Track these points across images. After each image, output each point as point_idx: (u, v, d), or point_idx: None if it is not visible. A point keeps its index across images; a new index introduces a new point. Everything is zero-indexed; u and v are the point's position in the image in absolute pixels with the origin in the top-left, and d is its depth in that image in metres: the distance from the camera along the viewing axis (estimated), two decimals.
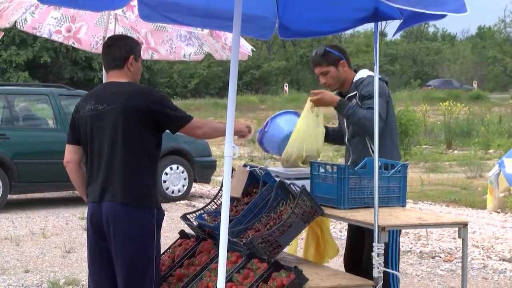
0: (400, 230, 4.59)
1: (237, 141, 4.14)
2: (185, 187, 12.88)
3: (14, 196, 12.78)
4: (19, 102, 12.89)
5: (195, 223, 5.01)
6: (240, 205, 4.86)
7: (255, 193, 4.87)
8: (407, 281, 7.29)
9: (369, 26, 52.29)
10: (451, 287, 7.20)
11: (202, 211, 5.08)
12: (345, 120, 5.10)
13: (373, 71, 4.41)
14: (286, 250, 4.89)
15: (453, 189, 13.95)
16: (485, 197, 11.97)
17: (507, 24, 73.48)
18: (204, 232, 4.91)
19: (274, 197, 4.66)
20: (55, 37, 6.25)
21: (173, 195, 12.73)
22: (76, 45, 6.39)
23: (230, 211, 4.27)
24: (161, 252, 4.62)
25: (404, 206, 4.77)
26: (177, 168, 12.81)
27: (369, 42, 63.56)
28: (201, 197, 13.52)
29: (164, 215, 4.40)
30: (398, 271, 4.50)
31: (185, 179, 12.86)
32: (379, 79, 4.94)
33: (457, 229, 4.43)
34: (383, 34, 63.43)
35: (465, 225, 4.42)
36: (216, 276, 3.98)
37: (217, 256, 4.12)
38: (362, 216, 4.46)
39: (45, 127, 12.74)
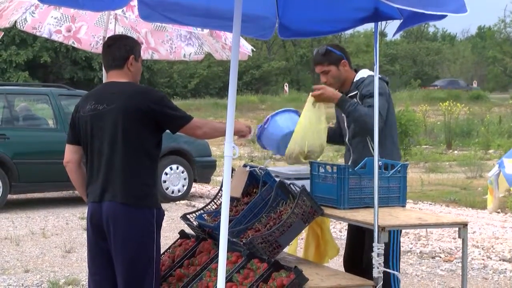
0: (400, 230, 4.58)
1: (237, 141, 4.14)
2: (185, 187, 12.89)
3: (14, 196, 12.78)
4: (19, 102, 12.90)
5: (195, 223, 5.01)
6: (240, 205, 4.86)
7: (255, 193, 4.87)
8: (407, 281, 7.30)
9: (369, 26, 52.30)
10: (451, 287, 7.21)
11: (202, 211, 5.08)
12: (345, 119, 5.10)
13: (373, 71, 4.41)
14: (286, 250, 4.89)
15: (453, 189, 13.95)
16: (485, 197, 11.97)
17: (507, 24, 73.54)
18: (204, 232, 4.91)
19: (274, 197, 4.66)
20: (55, 37, 6.25)
21: (173, 195, 12.73)
22: (76, 45, 6.39)
23: (230, 211, 4.27)
24: (161, 252, 4.62)
25: (404, 206, 4.77)
26: (177, 168, 12.81)
27: (369, 42, 63.56)
28: (201, 197, 13.52)
29: (164, 215, 4.40)
30: (399, 271, 4.49)
31: (185, 179, 12.86)
32: (380, 79, 4.95)
33: (457, 229, 4.43)
34: (383, 34, 63.45)
35: (465, 225, 4.42)
36: (216, 276, 3.98)
37: (217, 256, 4.12)
38: (362, 216, 4.46)
39: (45, 127, 12.75)
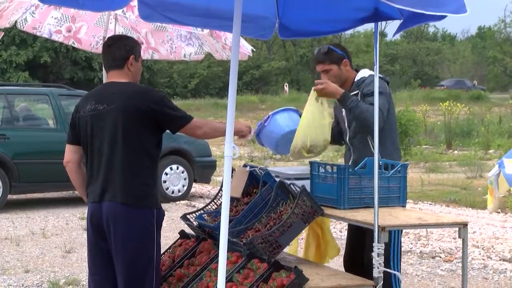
0: (401, 230, 4.58)
1: (237, 141, 4.15)
2: (185, 187, 12.89)
3: (14, 196, 12.78)
4: (19, 102, 12.90)
5: (195, 223, 5.01)
6: (240, 205, 4.86)
7: (255, 193, 4.87)
8: (407, 281, 7.30)
9: (369, 26, 52.29)
10: (451, 287, 7.21)
11: (202, 211, 5.08)
12: (345, 119, 5.09)
13: (374, 71, 4.41)
14: (286, 250, 4.89)
15: (453, 189, 13.95)
16: (485, 197, 11.97)
17: (507, 24, 73.55)
18: (204, 232, 4.91)
19: (274, 197, 4.66)
20: (55, 37, 6.25)
21: (173, 195, 12.73)
22: (76, 45, 6.39)
23: (230, 211, 4.27)
24: (161, 252, 4.62)
25: (404, 206, 4.77)
26: (177, 168, 12.81)
27: (369, 42, 63.59)
28: (201, 197, 13.52)
29: (164, 215, 4.40)
30: (400, 271, 4.49)
31: (185, 179, 12.86)
32: (381, 78, 4.95)
33: (457, 229, 4.43)
34: (383, 34, 63.46)
35: (465, 225, 4.42)
36: (216, 276, 3.98)
37: (217, 256, 4.12)
38: (362, 216, 4.46)
39: (45, 127, 12.75)
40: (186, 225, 5.17)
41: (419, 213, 5.11)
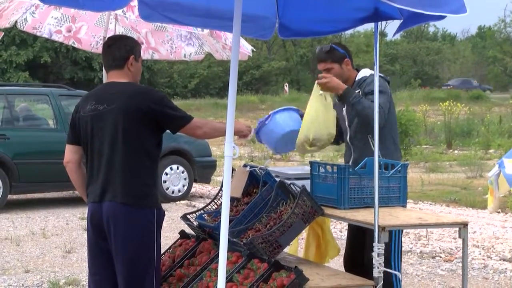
0: (401, 230, 4.58)
1: (237, 141, 4.14)
2: (185, 187, 12.88)
3: (15, 196, 12.78)
4: (19, 102, 12.89)
5: (195, 223, 5.01)
6: (240, 205, 4.86)
7: (255, 193, 4.87)
8: (408, 281, 7.30)
9: (369, 26, 52.33)
10: (452, 287, 7.21)
11: (202, 211, 5.08)
12: (346, 118, 5.09)
13: (374, 71, 4.41)
14: (287, 250, 4.90)
15: (453, 189, 13.95)
16: (485, 197, 11.97)
17: (507, 24, 73.57)
18: (204, 232, 4.91)
19: (274, 197, 4.66)
20: (55, 37, 6.25)
21: (173, 195, 12.73)
22: (76, 45, 6.39)
23: (230, 211, 4.27)
24: (162, 252, 4.62)
25: (404, 206, 4.77)
26: (177, 168, 12.81)
27: (369, 42, 63.58)
28: (201, 197, 13.52)
29: (164, 215, 4.40)
30: (400, 271, 4.49)
31: (185, 179, 12.86)
32: (382, 77, 4.96)
33: (457, 229, 4.43)
34: (383, 34, 63.46)
35: (465, 225, 4.41)
36: (216, 276, 3.98)
37: (217, 256, 4.12)
38: (362, 216, 4.46)
39: (45, 127, 12.75)
40: (186, 225, 5.17)
41: (419, 213, 5.11)
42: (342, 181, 4.60)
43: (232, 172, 4.81)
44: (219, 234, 3.81)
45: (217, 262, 3.79)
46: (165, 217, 4.44)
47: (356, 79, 5.07)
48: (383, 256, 4.21)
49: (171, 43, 6.41)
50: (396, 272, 4.40)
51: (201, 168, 13.08)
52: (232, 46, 3.89)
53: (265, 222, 4.58)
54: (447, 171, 17.12)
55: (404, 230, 5.53)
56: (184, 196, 12.87)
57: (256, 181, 4.92)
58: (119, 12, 5.79)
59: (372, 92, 4.75)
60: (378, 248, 4.18)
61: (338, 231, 9.56)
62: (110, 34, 5.90)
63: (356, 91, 4.96)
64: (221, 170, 13.86)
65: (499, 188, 5.24)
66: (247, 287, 4.20)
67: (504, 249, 8.83)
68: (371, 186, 4.42)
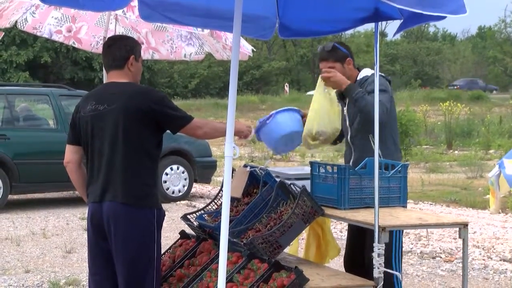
0: (402, 231, 4.58)
1: (237, 142, 4.14)
2: (186, 187, 12.88)
3: (15, 196, 12.78)
4: (20, 102, 12.89)
5: (195, 223, 5.01)
6: (241, 205, 4.86)
7: (255, 193, 4.87)
8: (408, 281, 7.30)
9: (369, 26, 52.29)
10: (452, 287, 7.20)
11: (202, 212, 5.08)
12: (347, 118, 5.08)
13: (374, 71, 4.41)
14: (287, 250, 4.89)
15: (454, 190, 13.95)
16: (485, 197, 11.97)
17: (508, 24, 73.58)
18: (204, 233, 4.91)
19: (275, 198, 4.65)
20: (55, 37, 6.25)
21: (173, 195, 12.73)
22: (76, 45, 6.39)
23: (230, 211, 4.27)
24: (162, 252, 4.62)
25: (404, 206, 4.76)
26: (178, 168, 12.81)
27: (369, 42, 63.58)
28: (201, 197, 13.52)
29: (164, 215, 4.40)
30: (401, 271, 4.49)
31: (185, 179, 12.86)
32: (383, 77, 4.96)
33: (457, 229, 4.43)
34: (383, 34, 63.49)
35: (465, 225, 4.41)
36: (216, 276, 3.98)
37: (217, 256, 4.12)
38: (363, 216, 4.46)
39: (45, 127, 12.74)
40: (186, 225, 5.17)
41: (419, 213, 5.11)
42: (343, 181, 4.60)
43: (232, 172, 4.81)
44: (219, 234, 3.81)
45: (217, 262, 3.79)
46: (165, 217, 4.44)
47: (358, 78, 5.07)
48: (383, 257, 4.21)
49: (171, 43, 6.41)
50: (396, 273, 4.40)
51: (202, 168, 13.08)
52: (233, 46, 3.89)
53: (265, 223, 4.57)
54: (448, 172, 17.12)
55: (405, 231, 5.53)
56: (185, 196, 12.87)
57: (256, 181, 4.92)
58: (119, 12, 5.79)
59: (373, 91, 4.75)
60: (378, 249, 4.18)
61: (338, 231, 9.56)
62: (110, 34, 5.90)
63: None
64: (221, 170, 13.87)
65: (500, 188, 5.24)
66: (247, 287, 4.20)
67: (505, 249, 8.83)
68: (372, 186, 4.42)
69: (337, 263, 6.46)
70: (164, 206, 4.84)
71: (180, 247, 5.00)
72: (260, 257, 4.36)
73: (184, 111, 4.37)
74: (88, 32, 6.29)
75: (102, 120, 4.27)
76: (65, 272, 7.79)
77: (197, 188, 14.24)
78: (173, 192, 12.74)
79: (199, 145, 12.99)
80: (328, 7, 4.54)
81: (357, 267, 4.91)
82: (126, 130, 4.22)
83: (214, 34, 5.68)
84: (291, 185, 4.65)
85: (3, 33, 7.21)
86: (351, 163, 5.02)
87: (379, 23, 4.53)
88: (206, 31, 5.67)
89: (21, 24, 6.07)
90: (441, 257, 8.45)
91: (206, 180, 13.51)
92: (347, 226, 5.35)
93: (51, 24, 6.17)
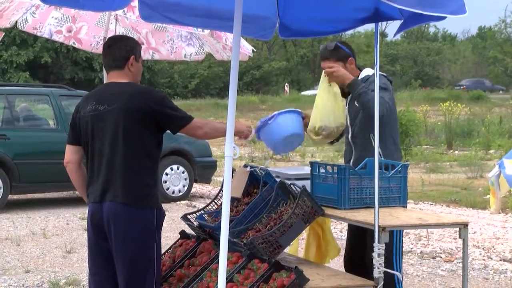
0: (402, 231, 4.58)
1: (237, 142, 4.14)
2: (186, 187, 12.89)
3: (15, 196, 12.78)
4: (20, 102, 12.90)
5: (195, 223, 5.01)
6: (241, 205, 4.86)
7: (255, 193, 4.87)
8: (408, 281, 7.30)
9: (369, 27, 52.24)
10: (452, 287, 7.21)
11: (202, 212, 5.08)
12: (348, 117, 5.07)
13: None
14: (287, 250, 4.89)
15: (454, 190, 13.95)
16: (485, 197, 11.97)
17: (508, 25, 73.55)
18: (204, 233, 4.91)
19: (275, 198, 4.65)
20: (55, 37, 6.25)
21: (173, 195, 12.73)
22: (76, 45, 6.40)
23: (230, 211, 4.27)
24: (162, 252, 4.62)
25: (405, 206, 4.76)
26: (178, 168, 12.81)
27: (369, 43, 63.57)
28: (201, 197, 13.52)
29: (164, 215, 4.40)
30: (402, 271, 4.49)
31: (185, 179, 12.86)
32: (384, 76, 4.96)
33: (457, 229, 4.43)
34: (383, 35, 63.50)
35: (465, 225, 4.41)
36: (216, 276, 3.98)
37: (217, 256, 4.12)
38: (363, 216, 4.46)
39: (45, 127, 12.75)
40: (186, 225, 5.17)
41: (419, 213, 5.11)
42: (343, 181, 4.60)
43: (233, 173, 4.81)
44: (219, 234, 3.81)
45: (218, 262, 3.80)
46: (165, 217, 4.45)
47: (359, 77, 5.06)
48: (383, 257, 4.21)
49: (171, 43, 6.41)
50: (397, 273, 4.40)
51: (202, 168, 13.09)
52: (233, 47, 3.89)
53: (266, 223, 4.57)
54: (448, 172, 17.12)
55: (405, 231, 5.53)
56: (185, 196, 12.87)
57: (257, 182, 4.92)
58: (119, 12, 5.79)
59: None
60: (378, 249, 4.18)
61: (339, 231, 9.56)
62: (110, 34, 5.90)
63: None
64: (221, 170, 13.87)
65: (500, 188, 5.24)
66: (248, 287, 4.20)
67: (505, 249, 8.83)
68: (372, 186, 4.42)
69: (337, 263, 6.46)
70: (164, 206, 4.84)
71: (180, 247, 5.00)
72: (260, 257, 4.36)
73: (184, 111, 4.37)
74: (88, 32, 6.30)
75: (102, 120, 4.28)
76: (65, 272, 7.79)
77: (197, 188, 14.24)
78: (173, 192, 12.74)
79: (199, 145, 13.00)
80: (328, 7, 4.54)
81: (357, 267, 4.91)
82: (126, 130, 4.23)
83: (214, 35, 5.69)
84: (291, 185, 4.65)
85: (4, 33, 7.22)
86: (351, 163, 5.02)
87: (379, 23, 4.53)
88: (206, 31, 5.68)
89: (21, 24, 6.07)
90: (441, 257, 8.45)
91: (206, 180, 13.51)
92: (347, 226, 5.35)
93: (51, 24, 6.17)
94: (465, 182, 14.81)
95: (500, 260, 8.31)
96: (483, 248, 8.88)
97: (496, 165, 5.33)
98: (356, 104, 4.92)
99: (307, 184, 4.73)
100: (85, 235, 4.89)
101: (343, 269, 5.17)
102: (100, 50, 5.84)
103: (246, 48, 6.20)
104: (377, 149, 4.30)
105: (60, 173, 6.12)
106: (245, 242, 4.42)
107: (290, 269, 4.21)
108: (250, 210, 4.67)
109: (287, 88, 52.61)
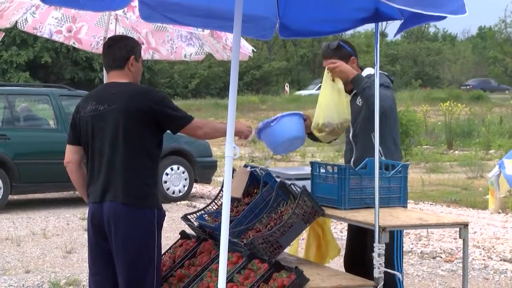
0: (402, 231, 4.58)
1: (237, 142, 4.14)
2: (186, 188, 12.89)
3: (15, 197, 12.78)
4: (20, 102, 12.90)
5: (195, 223, 5.01)
6: (241, 205, 4.86)
7: (255, 193, 4.87)
8: (408, 282, 7.30)
9: (369, 27, 52.29)
10: (452, 287, 7.20)
11: (202, 212, 5.08)
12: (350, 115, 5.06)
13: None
14: (287, 250, 4.89)
15: (454, 190, 13.95)
16: (486, 197, 11.96)
17: (508, 25, 73.49)
18: (204, 233, 4.91)
19: (275, 198, 4.65)
20: (55, 37, 6.25)
21: (173, 195, 12.73)
22: (76, 45, 6.39)
23: (230, 211, 4.27)
24: (162, 253, 4.62)
25: (405, 206, 4.76)
26: (178, 168, 12.81)
27: (369, 43, 63.55)
28: (201, 197, 13.52)
29: (165, 215, 4.40)
30: (402, 271, 4.49)
31: (185, 179, 12.86)
32: (386, 76, 4.96)
33: (458, 229, 4.43)
34: (383, 35, 63.48)
35: (466, 225, 4.41)
36: (216, 276, 3.98)
37: (217, 256, 4.12)
38: (363, 216, 4.46)
39: (46, 127, 12.75)
40: (186, 226, 5.17)
41: (419, 213, 5.11)
42: (343, 181, 4.60)
43: (233, 173, 4.81)
44: (219, 235, 3.81)
45: (218, 263, 3.79)
46: (165, 218, 4.45)
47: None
48: (383, 257, 4.21)
49: (171, 43, 6.41)
50: (397, 273, 4.40)
51: (202, 169, 13.09)
52: (233, 47, 3.89)
53: (266, 223, 4.57)
54: (448, 172, 17.12)
55: (405, 231, 5.53)
56: (185, 197, 12.87)
57: (257, 182, 4.92)
58: (119, 12, 5.80)
59: (380, 86, 4.74)
60: (378, 249, 4.18)
61: (339, 232, 9.56)
62: (110, 34, 5.90)
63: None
64: (221, 171, 13.87)
65: (500, 188, 5.25)
66: (248, 287, 4.20)
67: (505, 249, 8.83)
68: (372, 186, 4.42)
69: (337, 263, 6.46)
70: (165, 206, 4.84)
71: (181, 247, 5.00)
72: (260, 257, 4.36)
73: (184, 111, 4.37)
74: (88, 32, 6.30)
75: (102, 120, 4.28)
76: (65, 272, 7.79)
77: (197, 188, 14.24)
78: (173, 192, 12.74)
79: (199, 145, 13.00)
80: (328, 7, 4.54)
81: (357, 267, 4.91)
82: (127, 130, 4.23)
83: (214, 35, 5.68)
84: (292, 185, 4.65)
85: (4, 33, 7.21)
86: (351, 162, 5.02)
87: (380, 23, 4.53)
88: (207, 31, 5.67)
89: (21, 24, 6.07)
90: (441, 257, 8.45)
91: (207, 180, 13.51)
92: (347, 226, 5.35)
93: (51, 24, 6.17)
94: (465, 182, 14.81)
95: (500, 260, 8.32)
96: (483, 248, 8.88)
97: (496, 165, 5.33)
98: (359, 101, 4.92)
99: (308, 184, 4.73)
100: (85, 235, 4.89)
101: (343, 269, 5.17)
102: (100, 50, 5.83)
103: (246, 48, 6.20)
104: (377, 148, 4.30)
105: (60, 173, 6.13)
106: (245, 242, 4.42)
107: (290, 269, 4.21)
108: (250, 210, 4.67)
109: (287, 88, 52.60)
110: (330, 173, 4.72)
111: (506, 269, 7.91)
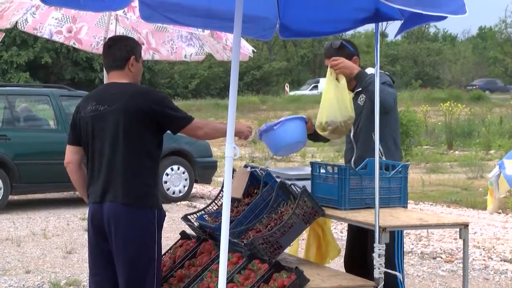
0: (403, 231, 4.58)
1: (238, 142, 4.14)
2: (186, 188, 12.89)
3: (15, 197, 12.79)
4: (20, 102, 12.90)
5: (196, 223, 5.01)
6: (241, 205, 4.86)
7: (256, 193, 4.87)
8: (408, 282, 7.29)
9: (370, 27, 52.36)
10: (452, 287, 7.20)
11: (203, 212, 5.08)
12: None
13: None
14: (287, 251, 4.89)
15: (454, 190, 13.95)
16: (486, 197, 11.96)
17: (508, 25, 73.55)
18: (205, 233, 4.91)
19: (275, 198, 4.65)
20: (56, 38, 6.25)
21: (174, 195, 12.73)
22: (77, 46, 6.39)
23: (231, 212, 4.26)
24: (162, 253, 4.62)
25: (405, 206, 4.76)
26: (178, 168, 12.81)
27: (370, 43, 63.57)
28: (202, 197, 13.52)
29: (165, 215, 4.40)
30: (403, 271, 4.49)
31: (186, 179, 12.86)
32: (387, 75, 4.95)
33: (458, 229, 4.43)
34: (384, 35, 63.48)
35: (466, 225, 4.41)
36: (217, 276, 3.98)
37: (218, 256, 4.12)
38: (363, 216, 4.46)
39: (46, 127, 12.75)
40: (187, 226, 5.17)
41: (420, 214, 5.11)
42: (343, 181, 4.60)
43: (233, 173, 4.81)
44: (219, 235, 3.81)
45: (218, 263, 3.79)
46: (165, 218, 4.44)
47: None
48: (384, 257, 4.21)
49: (171, 44, 6.41)
50: (398, 273, 4.40)
51: (202, 169, 13.09)
52: (233, 47, 3.89)
53: (266, 223, 4.57)
54: (448, 172, 17.12)
55: (405, 231, 5.53)
56: (185, 197, 12.87)
57: (257, 182, 4.92)
58: (119, 12, 5.79)
59: (384, 83, 4.73)
60: (379, 249, 4.18)
61: (339, 232, 9.56)
62: (110, 34, 5.90)
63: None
64: (221, 171, 13.87)
65: (499, 188, 5.24)
66: None
67: (505, 249, 8.83)
68: (372, 186, 4.42)
69: (338, 263, 6.46)
70: (165, 206, 4.84)
71: (181, 247, 5.00)
72: (260, 257, 4.36)
73: (184, 112, 4.37)
74: (89, 32, 6.29)
75: (102, 121, 4.28)
76: (65, 272, 7.79)
77: (197, 188, 14.24)
78: (173, 193, 12.74)
79: (199, 145, 13.00)
80: (328, 7, 4.54)
81: (357, 268, 4.91)
82: (127, 130, 4.23)
83: (214, 35, 5.68)
84: (292, 186, 4.65)
85: (4, 33, 7.22)
86: (352, 162, 5.02)
87: (380, 23, 4.53)
88: (207, 31, 5.67)
89: (22, 25, 6.07)
90: (441, 258, 8.45)
91: (207, 180, 13.51)
92: (347, 227, 5.35)
93: (51, 25, 6.17)
94: (465, 182, 14.81)
95: (501, 261, 8.31)
96: (483, 249, 8.88)
97: (496, 165, 5.32)
98: (361, 100, 4.92)
99: (308, 184, 4.73)
100: (86, 236, 4.89)
101: (344, 269, 5.17)
102: (100, 50, 5.83)
103: (247, 49, 6.20)
104: (377, 148, 4.30)
105: (61, 174, 6.12)
106: (246, 242, 4.42)
107: (290, 270, 4.21)
108: (251, 211, 4.67)
109: (287, 88, 52.62)
110: (330, 174, 4.72)
111: (507, 269, 7.91)
